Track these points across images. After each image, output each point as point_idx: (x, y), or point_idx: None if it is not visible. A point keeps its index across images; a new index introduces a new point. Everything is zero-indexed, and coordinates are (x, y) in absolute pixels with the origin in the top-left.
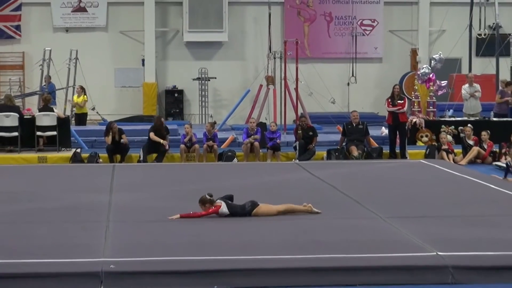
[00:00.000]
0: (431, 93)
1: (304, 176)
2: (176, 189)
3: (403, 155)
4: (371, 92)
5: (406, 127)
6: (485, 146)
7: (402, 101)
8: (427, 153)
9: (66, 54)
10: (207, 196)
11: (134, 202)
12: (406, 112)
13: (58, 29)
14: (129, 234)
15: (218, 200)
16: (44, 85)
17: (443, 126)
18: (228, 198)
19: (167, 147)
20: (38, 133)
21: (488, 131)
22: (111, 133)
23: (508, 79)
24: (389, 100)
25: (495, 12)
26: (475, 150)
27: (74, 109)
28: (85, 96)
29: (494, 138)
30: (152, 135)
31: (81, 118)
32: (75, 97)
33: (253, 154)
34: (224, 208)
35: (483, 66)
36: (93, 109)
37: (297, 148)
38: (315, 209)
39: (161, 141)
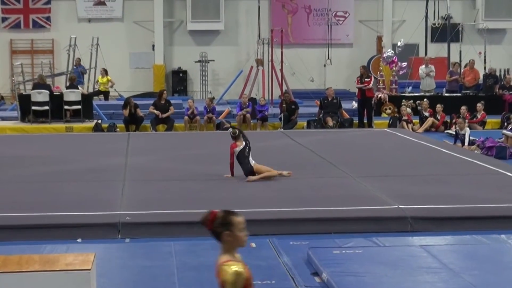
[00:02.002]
0: (394, 73)
1: (287, 142)
2: (181, 153)
3: (370, 125)
4: (343, 72)
5: (373, 101)
6: (439, 117)
7: (369, 79)
8: (390, 123)
9: (88, 41)
10: (231, 132)
11: (146, 164)
12: (372, 88)
13: (82, 19)
14: (142, 191)
15: (242, 140)
16: (75, 66)
17: (403, 100)
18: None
19: (160, 116)
20: (66, 107)
21: (442, 105)
22: (129, 107)
23: (458, 61)
24: (358, 78)
25: (447, 5)
26: (430, 120)
27: (97, 86)
28: (108, 77)
29: (446, 110)
30: (151, 108)
31: (105, 95)
32: (99, 77)
33: (246, 124)
34: (237, 148)
35: (437, 50)
36: (111, 86)
37: (282, 119)
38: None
39: (155, 112)
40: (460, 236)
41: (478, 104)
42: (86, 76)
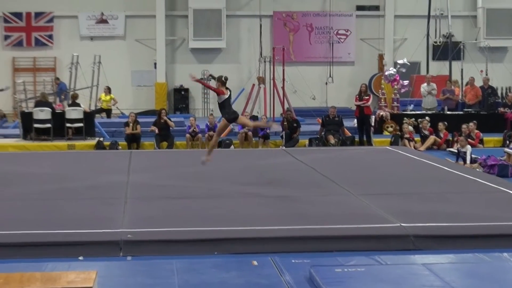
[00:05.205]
0: (395, 91)
1: (289, 160)
2: (183, 171)
3: (369, 143)
4: (345, 90)
5: (373, 119)
6: (442, 135)
7: (367, 97)
8: (392, 141)
9: (90, 59)
10: (223, 78)
11: (148, 182)
12: (370, 106)
13: (84, 37)
14: (144, 209)
15: (227, 89)
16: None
17: (405, 118)
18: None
19: (156, 131)
20: (68, 124)
21: (445, 123)
22: (131, 124)
23: (459, 80)
24: (357, 96)
25: (448, 24)
26: (431, 138)
27: (98, 104)
28: (112, 95)
29: (447, 128)
30: (151, 127)
31: (107, 113)
32: (102, 95)
33: (247, 142)
34: (225, 96)
35: (439, 68)
36: (114, 105)
37: (284, 137)
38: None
39: (152, 127)
40: (462, 254)
41: (470, 124)
42: (88, 94)
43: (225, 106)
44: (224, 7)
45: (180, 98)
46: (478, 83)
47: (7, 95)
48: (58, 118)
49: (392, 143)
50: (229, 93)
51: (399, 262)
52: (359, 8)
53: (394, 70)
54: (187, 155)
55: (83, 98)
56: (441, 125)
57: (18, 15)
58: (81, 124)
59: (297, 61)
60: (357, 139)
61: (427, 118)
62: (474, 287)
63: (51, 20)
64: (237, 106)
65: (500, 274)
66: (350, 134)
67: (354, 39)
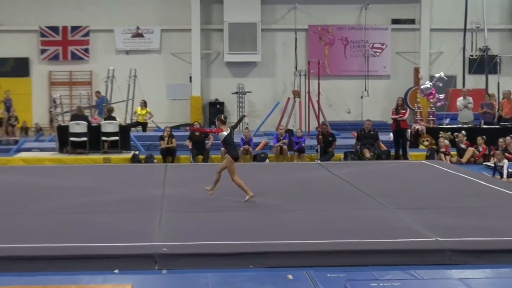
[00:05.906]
0: (431, 105)
1: (324, 174)
2: (218, 184)
3: (405, 156)
4: (380, 103)
5: (410, 133)
6: (480, 149)
7: (404, 111)
8: (428, 155)
9: (126, 72)
10: (222, 117)
11: (183, 195)
12: (406, 120)
13: (120, 51)
14: (179, 222)
15: (227, 126)
16: (97, 99)
17: (441, 132)
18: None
19: (190, 146)
20: (103, 138)
21: (484, 137)
22: (166, 138)
23: (496, 93)
24: (394, 110)
25: (484, 37)
26: (470, 150)
27: (134, 118)
28: (148, 109)
29: (485, 142)
30: (187, 142)
31: (143, 127)
32: (138, 109)
33: (282, 155)
34: (224, 133)
35: (475, 82)
36: (150, 118)
37: (319, 150)
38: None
39: (186, 141)
40: (499, 269)
41: (507, 138)
42: (124, 107)
43: (227, 142)
44: (260, 21)
45: (215, 112)
46: None
47: (43, 109)
48: (94, 132)
49: (428, 157)
50: (229, 130)
51: (435, 277)
52: (395, 21)
53: (430, 83)
54: None
55: (118, 111)
56: (480, 140)
57: (54, 29)
58: (116, 138)
59: (333, 75)
60: (392, 153)
61: (463, 132)
62: None
63: (87, 34)
64: (272, 120)
65: None
66: (385, 148)
67: (390, 53)
